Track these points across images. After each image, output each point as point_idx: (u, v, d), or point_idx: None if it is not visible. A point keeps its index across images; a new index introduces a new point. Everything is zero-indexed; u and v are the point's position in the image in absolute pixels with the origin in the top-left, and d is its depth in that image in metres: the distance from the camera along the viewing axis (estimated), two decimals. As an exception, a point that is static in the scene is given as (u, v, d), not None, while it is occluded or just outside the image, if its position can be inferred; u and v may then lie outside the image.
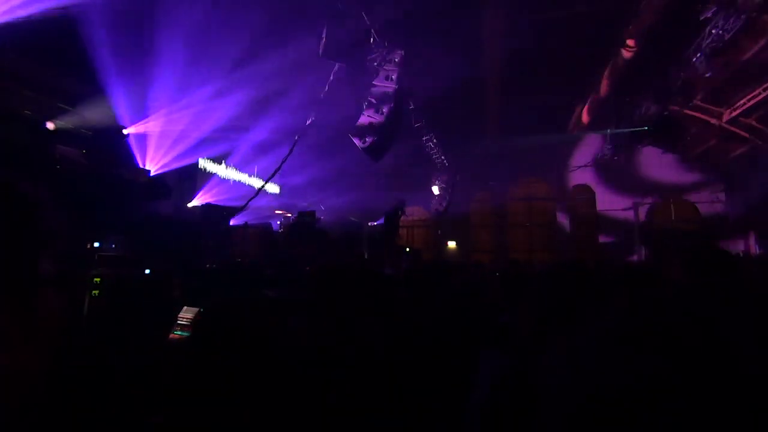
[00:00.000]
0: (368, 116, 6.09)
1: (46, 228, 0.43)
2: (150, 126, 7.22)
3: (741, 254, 8.85)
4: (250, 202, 6.69)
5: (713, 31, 6.63)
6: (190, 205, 8.68)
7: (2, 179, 0.39)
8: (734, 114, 9.39)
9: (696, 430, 0.22)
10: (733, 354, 0.22)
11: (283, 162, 6.86)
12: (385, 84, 6.28)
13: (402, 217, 8.59)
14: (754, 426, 0.21)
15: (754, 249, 10.79)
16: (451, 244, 15.38)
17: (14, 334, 0.37)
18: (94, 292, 2.93)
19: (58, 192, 3.91)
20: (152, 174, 6.65)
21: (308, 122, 6.53)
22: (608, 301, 0.28)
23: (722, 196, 12.26)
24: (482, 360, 1.41)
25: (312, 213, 9.11)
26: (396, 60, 6.41)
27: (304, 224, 7.82)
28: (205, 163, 9.34)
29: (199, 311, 1.02)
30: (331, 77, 6.37)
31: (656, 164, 13.30)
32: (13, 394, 0.37)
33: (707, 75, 7.25)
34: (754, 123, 9.54)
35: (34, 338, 0.39)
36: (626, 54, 7.95)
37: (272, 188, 11.51)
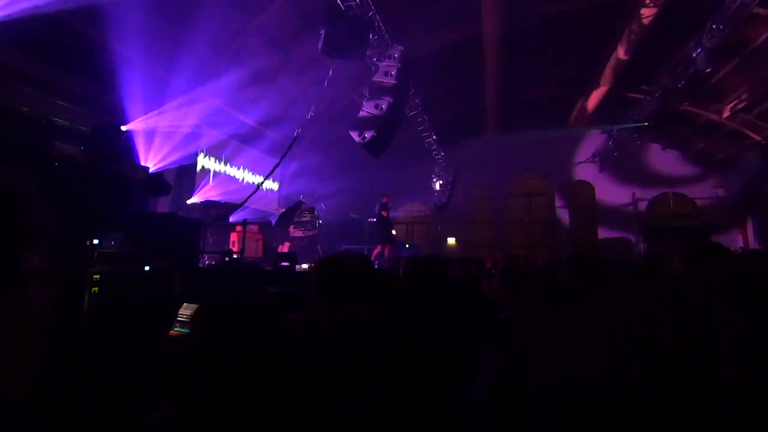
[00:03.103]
0: (367, 112, 6.07)
1: (32, 221, 0.41)
2: (149, 122, 7.20)
3: (740, 250, 8.86)
4: (249, 199, 6.67)
5: (714, 26, 6.60)
6: (189, 201, 8.67)
7: None
8: (734, 110, 9.39)
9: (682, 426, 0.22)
10: (723, 351, 0.22)
11: (282, 157, 6.84)
12: (384, 79, 6.26)
13: (389, 211, 8.72)
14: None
15: (753, 245, 10.83)
16: (451, 240, 15.41)
17: None
18: (93, 289, 2.94)
19: (57, 189, 3.90)
20: (151, 170, 6.63)
21: (307, 118, 6.50)
22: (606, 294, 0.28)
23: (722, 191, 12.28)
24: (482, 357, 1.42)
25: (312, 209, 9.13)
26: (395, 55, 6.38)
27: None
28: (204, 160, 9.32)
29: (199, 307, 1.02)
30: (330, 73, 6.33)
31: (656, 160, 13.31)
32: None
33: (707, 70, 7.22)
34: (753, 119, 9.54)
35: (16, 335, 0.38)
36: (626, 49, 7.91)
37: (271, 185, 11.50)
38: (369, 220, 9.26)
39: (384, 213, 8.37)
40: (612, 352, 0.25)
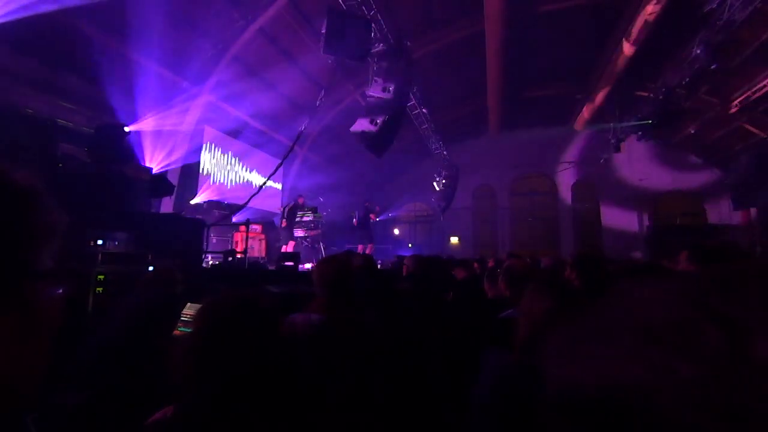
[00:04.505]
0: (369, 112, 6.06)
1: (44, 221, 0.42)
2: (152, 123, 7.22)
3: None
4: (252, 199, 6.67)
5: (718, 23, 6.54)
6: (192, 202, 8.70)
7: None
8: (739, 107, 9.30)
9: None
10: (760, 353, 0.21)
11: (284, 158, 6.85)
12: (386, 78, 6.25)
13: (375, 216, 9.49)
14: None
15: (759, 243, 10.72)
16: (454, 240, 15.39)
17: (7, 329, 0.37)
18: (98, 289, 2.95)
19: (61, 190, 3.92)
20: (155, 171, 6.65)
21: (309, 118, 6.50)
22: (612, 291, 0.27)
23: (727, 189, 12.17)
24: (484, 357, 1.41)
25: (314, 208, 9.13)
26: (398, 54, 6.36)
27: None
28: (207, 161, 9.34)
29: (201, 307, 1.02)
30: (332, 73, 6.33)
31: (660, 158, 13.22)
32: (8, 391, 0.37)
33: (712, 67, 7.15)
34: (759, 115, 9.45)
35: (28, 335, 0.38)
36: (629, 46, 7.86)
37: (274, 185, 11.52)
38: (354, 220, 9.53)
39: (372, 216, 9.35)
40: (643, 357, 0.23)
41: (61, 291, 0.47)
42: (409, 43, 6.75)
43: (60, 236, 0.45)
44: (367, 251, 8.30)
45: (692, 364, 0.21)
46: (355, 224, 9.32)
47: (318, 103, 6.65)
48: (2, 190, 0.39)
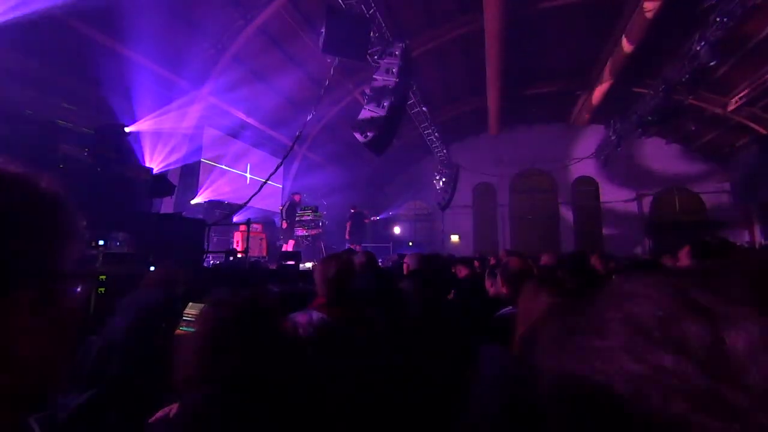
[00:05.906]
0: (369, 110, 6.05)
1: (68, 223, 0.44)
2: (153, 123, 7.22)
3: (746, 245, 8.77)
4: (252, 198, 6.67)
5: (717, 20, 6.51)
6: (193, 202, 8.71)
7: (25, 174, 0.41)
8: (739, 103, 9.28)
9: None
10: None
11: (284, 158, 6.85)
12: (386, 77, 6.23)
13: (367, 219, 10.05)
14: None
15: (759, 239, 10.73)
16: (454, 238, 15.39)
17: (40, 329, 0.38)
18: (99, 289, 2.96)
19: (63, 191, 3.93)
20: (155, 171, 6.65)
21: (309, 117, 6.49)
22: (605, 287, 0.27)
23: (727, 186, 12.16)
24: (483, 355, 1.42)
25: (314, 207, 9.14)
26: (397, 53, 6.34)
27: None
28: (207, 161, 9.34)
29: (204, 306, 1.03)
30: (332, 72, 6.32)
31: (660, 155, 13.21)
32: (33, 386, 0.39)
33: (711, 64, 7.13)
34: (758, 112, 9.44)
35: (56, 334, 0.40)
36: (629, 43, 7.84)
37: (275, 184, 11.52)
38: (348, 223, 9.81)
39: (366, 221, 10.13)
40: (630, 349, 0.24)
41: (83, 291, 0.48)
42: (408, 42, 6.73)
43: (82, 239, 0.47)
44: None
45: (675, 355, 0.22)
46: (347, 234, 9.57)
47: (318, 102, 6.64)
48: (32, 195, 0.41)
